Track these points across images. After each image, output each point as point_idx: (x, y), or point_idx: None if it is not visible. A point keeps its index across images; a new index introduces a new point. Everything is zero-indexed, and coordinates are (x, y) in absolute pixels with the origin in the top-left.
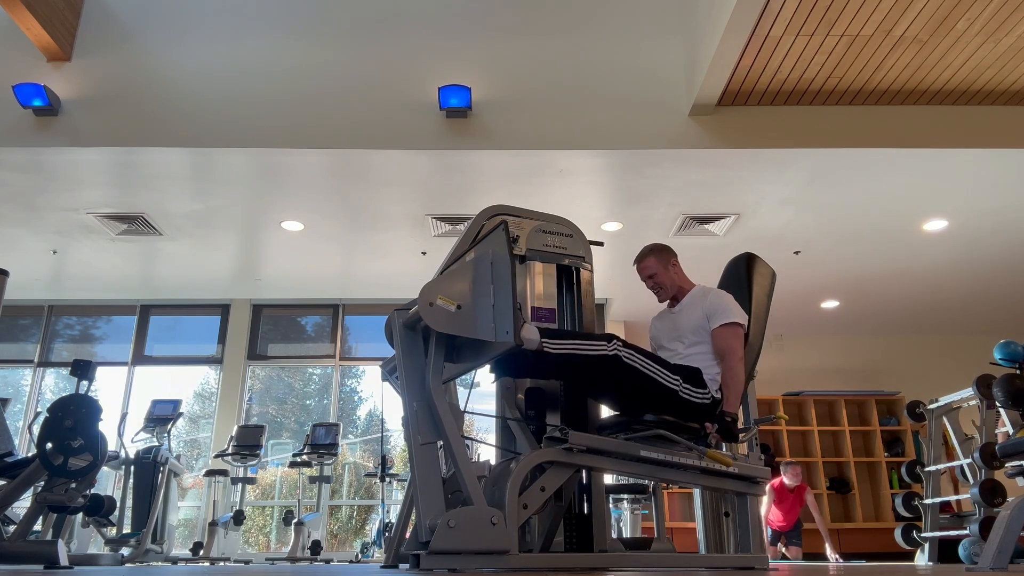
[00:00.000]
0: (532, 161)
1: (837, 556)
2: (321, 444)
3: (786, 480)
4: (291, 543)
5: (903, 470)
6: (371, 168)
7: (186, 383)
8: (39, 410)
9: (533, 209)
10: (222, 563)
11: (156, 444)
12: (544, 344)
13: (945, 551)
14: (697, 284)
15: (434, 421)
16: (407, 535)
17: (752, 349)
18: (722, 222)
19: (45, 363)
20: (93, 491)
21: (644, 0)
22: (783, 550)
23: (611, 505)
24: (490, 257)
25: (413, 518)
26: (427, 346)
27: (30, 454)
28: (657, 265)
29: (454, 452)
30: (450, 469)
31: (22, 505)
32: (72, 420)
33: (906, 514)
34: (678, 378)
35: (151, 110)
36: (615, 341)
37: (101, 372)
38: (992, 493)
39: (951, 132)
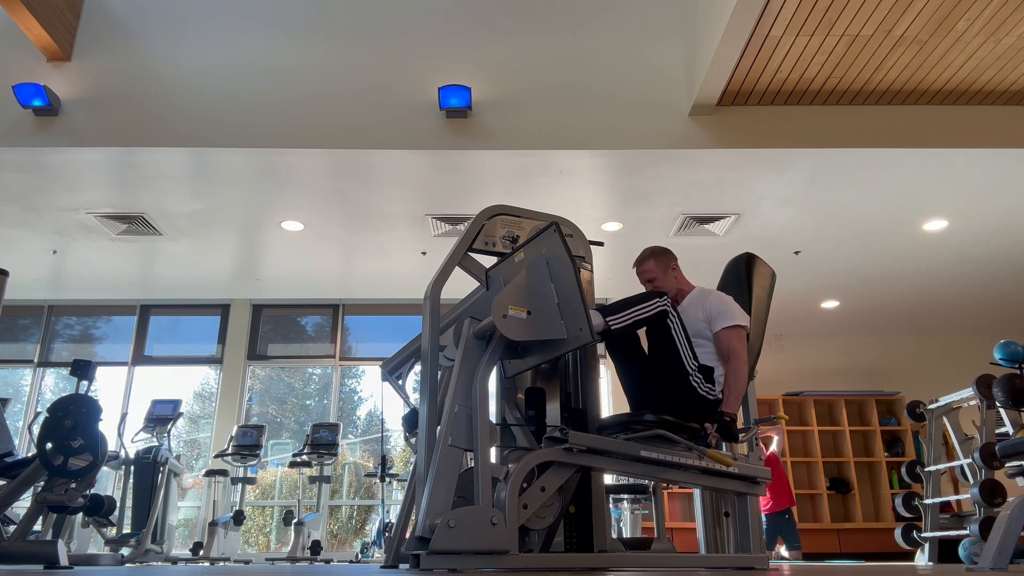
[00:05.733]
0: (532, 161)
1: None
2: (321, 444)
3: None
4: (291, 543)
5: (903, 470)
6: (371, 168)
7: (186, 383)
8: (39, 410)
9: (533, 209)
10: (222, 563)
11: (156, 444)
12: (609, 323)
13: (945, 551)
14: (696, 286)
15: (471, 429)
16: (407, 535)
17: (752, 349)
18: (722, 222)
19: (45, 363)
20: (93, 491)
21: (644, 0)
22: (782, 551)
23: (611, 505)
24: (545, 257)
25: (413, 518)
26: (485, 350)
27: (30, 454)
28: (656, 269)
29: (480, 460)
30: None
31: (22, 505)
32: (72, 420)
33: (906, 514)
34: (696, 365)
35: (151, 110)
36: (665, 297)
37: (101, 372)
38: (992, 493)
39: (951, 132)
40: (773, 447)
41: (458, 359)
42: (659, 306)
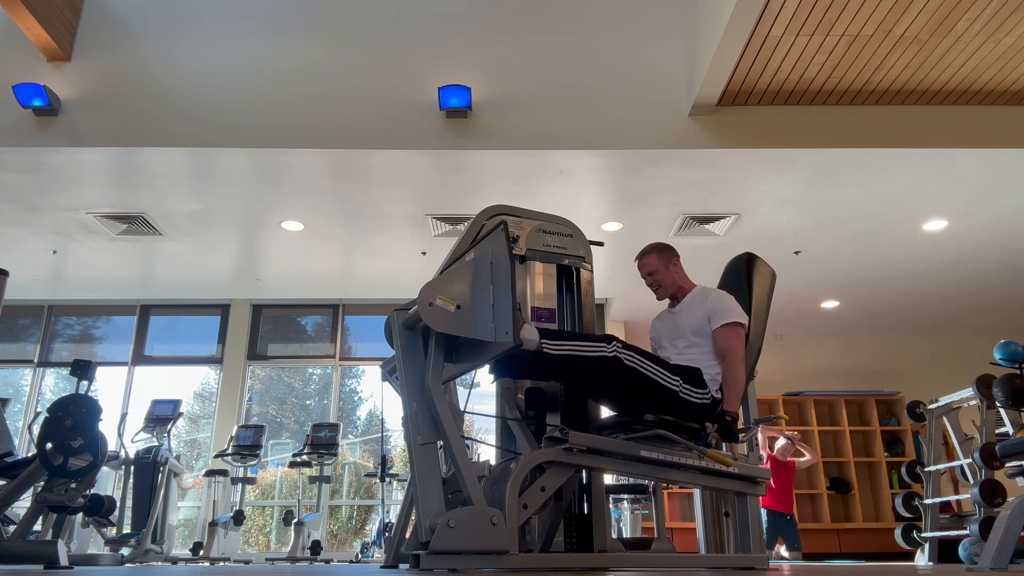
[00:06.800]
0: (532, 161)
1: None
2: (321, 444)
3: (776, 456)
4: (291, 543)
5: (903, 470)
6: (371, 168)
7: (186, 383)
8: (39, 410)
9: (533, 209)
10: (222, 563)
11: (156, 444)
12: (543, 344)
13: (945, 551)
14: (698, 285)
15: (434, 421)
16: (407, 535)
17: (752, 349)
18: (722, 222)
19: (45, 363)
20: (93, 491)
21: (644, 0)
22: (782, 551)
23: (611, 505)
24: (489, 257)
25: (413, 518)
26: (427, 346)
27: (30, 454)
28: (658, 262)
29: (454, 452)
30: (450, 469)
31: (22, 505)
32: (72, 420)
33: (906, 514)
34: (678, 379)
35: (151, 110)
36: (615, 343)
37: (101, 372)
38: (992, 493)
39: (951, 132)
40: (799, 460)
41: (397, 352)
42: (605, 352)
